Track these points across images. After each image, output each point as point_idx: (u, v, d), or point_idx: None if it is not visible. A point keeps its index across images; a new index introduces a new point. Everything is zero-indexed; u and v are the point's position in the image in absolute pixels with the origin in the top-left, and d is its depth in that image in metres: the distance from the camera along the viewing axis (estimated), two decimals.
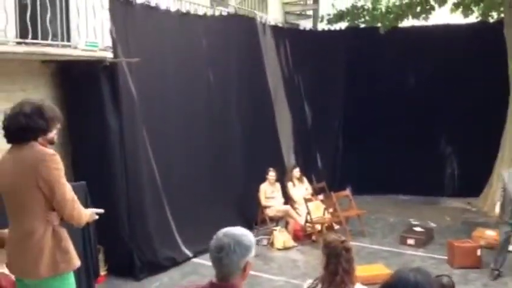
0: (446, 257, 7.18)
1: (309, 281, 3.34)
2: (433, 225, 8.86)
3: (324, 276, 3.24)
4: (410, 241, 7.84)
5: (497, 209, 6.78)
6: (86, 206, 5.02)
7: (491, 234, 7.72)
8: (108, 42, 6.40)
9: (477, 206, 9.99)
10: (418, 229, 8.26)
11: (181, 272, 6.78)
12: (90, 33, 6.25)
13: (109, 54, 6.33)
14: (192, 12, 7.74)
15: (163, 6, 7.18)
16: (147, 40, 6.85)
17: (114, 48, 6.32)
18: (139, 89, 6.64)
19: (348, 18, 11.58)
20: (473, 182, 10.09)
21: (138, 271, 6.43)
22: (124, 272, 6.44)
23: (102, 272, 6.29)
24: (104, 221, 6.13)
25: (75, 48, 6.16)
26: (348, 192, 8.84)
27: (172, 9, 7.39)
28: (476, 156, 9.97)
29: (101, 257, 6.23)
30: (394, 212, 9.70)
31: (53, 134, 3.43)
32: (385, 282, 1.87)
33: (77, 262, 3.44)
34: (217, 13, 8.43)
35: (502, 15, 10.04)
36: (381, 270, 6.23)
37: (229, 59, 8.47)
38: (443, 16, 10.98)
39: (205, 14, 8.04)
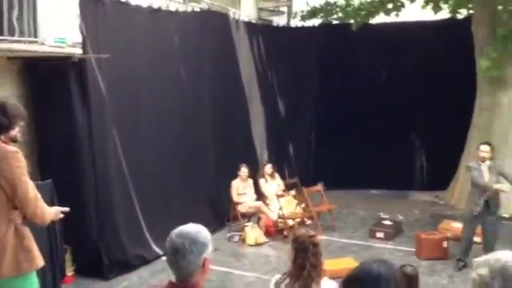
0: (414, 249, 7.34)
1: (277, 276, 3.38)
2: (401, 218, 9.05)
3: (292, 271, 3.28)
4: (380, 234, 8.00)
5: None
6: (52, 204, 4.98)
7: (457, 226, 7.90)
8: (78, 39, 6.32)
9: (444, 199, 10.23)
10: (387, 222, 8.42)
11: (151, 270, 6.74)
12: (58, 29, 6.16)
13: (78, 51, 6.24)
14: (164, 8, 7.70)
15: (134, 2, 7.13)
16: (118, 36, 6.77)
17: (84, 44, 6.23)
18: (109, 85, 6.57)
19: (321, 14, 11.68)
20: (441, 176, 10.32)
21: (107, 270, 6.35)
22: (92, 272, 6.34)
23: (69, 272, 6.20)
24: (72, 220, 6.08)
25: (42, 44, 6.08)
26: (319, 187, 8.95)
27: (144, 5, 7.34)
28: (444, 150, 10.18)
29: (68, 256, 6.14)
30: (364, 207, 9.85)
31: (16, 132, 3.42)
32: (349, 274, 1.89)
33: (40, 261, 3.44)
34: (189, 9, 8.40)
35: (471, 11, 10.24)
36: (350, 264, 6.33)
37: (202, 56, 8.45)
38: (414, 12, 11.14)
39: (177, 10, 8.00)
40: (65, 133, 6.37)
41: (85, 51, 6.24)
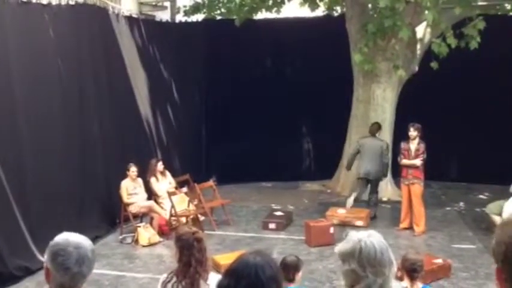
0: (304, 238, 7.64)
1: (164, 275, 3.32)
2: (292, 208, 9.37)
3: (179, 269, 3.26)
4: (272, 225, 8.21)
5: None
6: None
7: (341, 212, 8.40)
8: None
9: (331, 187, 10.79)
10: (278, 213, 8.68)
11: (37, 281, 6.27)
12: None
13: None
14: (33, 1, 7.15)
15: None
16: None
17: None
18: None
19: (204, 10, 11.68)
20: (328, 165, 10.89)
21: None
22: None
23: None
24: None
25: None
26: (211, 183, 8.96)
27: None
28: (329, 141, 10.76)
29: None
30: (257, 199, 10.07)
31: None
32: (228, 267, 1.93)
33: None
34: (63, 2, 7.89)
35: (345, 9, 10.87)
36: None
37: (81, 51, 7.97)
38: (293, 10, 11.58)
39: (50, 3, 7.48)
40: None
41: None
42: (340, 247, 1.92)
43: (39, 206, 6.83)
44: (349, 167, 9.01)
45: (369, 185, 8.56)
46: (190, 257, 3.22)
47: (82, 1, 8.37)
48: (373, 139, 8.55)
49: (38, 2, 7.20)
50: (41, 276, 6.32)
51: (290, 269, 3.97)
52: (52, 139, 7.20)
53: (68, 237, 2.10)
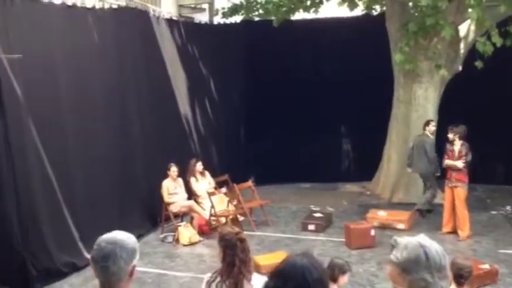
0: (344, 240, 7.55)
1: (208, 275, 3.34)
2: (331, 210, 9.29)
3: (222, 269, 3.27)
4: (311, 227, 8.15)
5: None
6: None
7: (382, 214, 8.27)
8: None
9: (370, 189, 10.64)
10: (317, 215, 8.61)
11: (83, 277, 6.46)
12: None
13: None
14: (79, 5, 7.35)
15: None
16: (31, 35, 6.39)
17: None
18: (26, 86, 6.19)
19: (242, 11, 11.73)
20: (367, 167, 10.74)
21: (34, 280, 6.04)
22: (18, 283, 6.00)
23: None
24: None
25: None
26: (250, 183, 8.98)
27: (57, 1, 6.96)
28: (369, 142, 10.58)
29: None
30: (296, 200, 10.03)
31: None
32: (275, 269, 1.93)
33: None
34: (107, 6, 8.08)
35: (385, 8, 10.71)
36: (283, 258, 6.39)
37: (124, 53, 8.16)
38: (331, 9, 11.48)
39: (93, 7, 7.67)
40: None
41: None
42: (398, 255, 1.83)
43: (86, 207, 7.04)
44: (408, 165, 9.08)
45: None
46: (234, 257, 3.23)
47: (124, 5, 8.55)
48: (420, 136, 8.84)
49: (83, 5, 7.40)
50: (87, 272, 6.52)
51: (336, 268, 3.94)
52: (96, 138, 7.39)
53: (111, 233, 2.19)
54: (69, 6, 7.09)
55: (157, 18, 9.37)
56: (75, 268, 6.61)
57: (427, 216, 8.69)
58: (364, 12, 11.53)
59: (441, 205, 8.32)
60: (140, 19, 8.74)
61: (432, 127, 8.80)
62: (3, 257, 5.91)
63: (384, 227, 7.98)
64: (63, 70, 6.85)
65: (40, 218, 6.29)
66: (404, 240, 1.88)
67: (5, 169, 5.96)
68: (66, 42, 6.95)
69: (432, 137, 8.80)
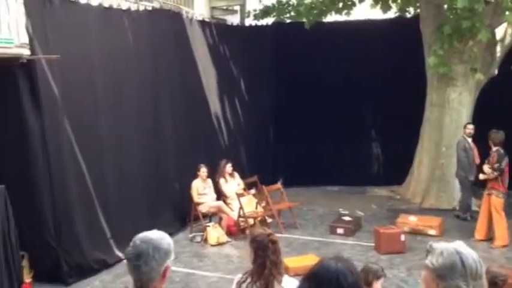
0: (373, 244, 7.47)
1: (239, 276, 3.36)
2: (360, 214, 9.20)
3: (253, 270, 3.27)
4: (340, 230, 8.09)
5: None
6: (6, 210, 4.76)
7: (413, 220, 8.14)
8: (25, 39, 6.06)
9: (400, 193, 10.49)
10: (346, 218, 8.53)
11: (113, 274, 6.60)
12: (4, 29, 5.89)
13: (26, 51, 5.99)
14: (115, 6, 7.50)
15: (83, 1, 6.90)
16: (69, 36, 6.55)
17: (31, 44, 5.99)
18: (62, 86, 6.35)
19: (274, 13, 11.74)
20: (397, 171, 10.59)
21: (66, 275, 6.20)
22: (51, 278, 6.17)
23: (27, 279, 5.96)
24: (27, 226, 5.89)
25: None
26: (279, 185, 8.98)
27: (94, 3, 7.12)
28: (400, 146, 10.43)
29: (25, 263, 5.90)
30: (324, 203, 9.97)
31: None
32: (309, 271, 1.92)
33: None
34: (141, 8, 8.22)
35: (418, 10, 10.56)
36: (312, 261, 6.34)
37: (157, 55, 8.28)
38: (364, 12, 11.38)
39: (129, 9, 7.82)
40: (16, 136, 6.14)
41: (33, 52, 6.00)
42: (433, 261, 1.80)
43: (118, 205, 7.18)
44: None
45: None
46: (265, 259, 3.23)
47: (158, 7, 8.69)
48: (458, 140, 8.87)
49: (119, 7, 7.55)
50: (117, 269, 6.66)
51: (370, 273, 3.91)
52: (128, 138, 7.52)
53: (147, 232, 2.19)
54: (106, 8, 7.24)
55: (190, 19, 9.48)
56: (106, 265, 6.75)
57: (461, 222, 8.53)
58: (397, 14, 11.40)
59: (476, 212, 8.17)
60: (174, 21, 8.85)
61: (468, 130, 8.67)
62: (38, 252, 6.07)
63: (414, 232, 7.86)
64: (99, 71, 7.00)
65: (74, 215, 6.44)
66: (440, 246, 1.84)
67: (41, 167, 6.13)
68: (103, 44, 7.09)
69: (465, 140, 8.64)
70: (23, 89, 6.07)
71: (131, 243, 2.15)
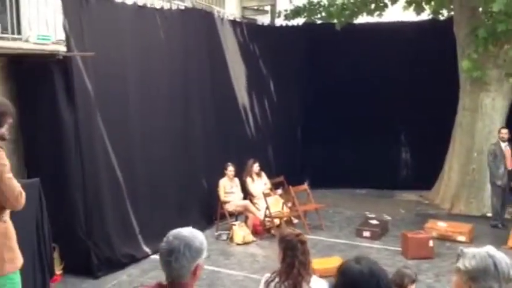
0: (400, 249, 7.39)
1: (267, 275, 3.37)
2: (387, 217, 9.10)
3: (282, 270, 3.28)
4: (366, 233, 8.02)
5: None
6: (40, 203, 4.90)
7: (442, 225, 8.01)
8: (62, 36, 6.22)
9: (429, 198, 10.33)
10: (373, 222, 8.46)
11: (141, 269, 6.70)
12: (42, 26, 6.05)
13: (62, 48, 6.15)
14: (148, 5, 7.62)
15: None
16: (104, 33, 6.69)
17: (68, 41, 6.15)
18: (96, 83, 6.49)
19: (305, 14, 11.71)
20: (426, 176, 10.42)
21: (96, 269, 6.31)
22: (81, 270, 6.29)
23: (58, 271, 6.13)
24: (60, 218, 6.03)
25: (27, 41, 5.96)
26: (306, 186, 8.96)
27: (129, 2, 7.25)
28: (429, 150, 10.29)
29: (56, 255, 6.07)
30: (351, 206, 9.90)
31: (4, 129, 3.33)
32: (340, 272, 1.94)
33: (20, 261, 3.41)
34: (174, 7, 8.32)
35: (452, 13, 10.38)
36: (337, 263, 6.31)
37: (189, 54, 8.37)
38: (396, 13, 11.25)
39: (162, 8, 7.93)
40: (51, 131, 6.28)
41: (69, 49, 6.15)
42: (466, 264, 1.82)
43: (147, 201, 7.29)
44: None
45: None
46: (294, 259, 3.24)
47: (191, 6, 8.78)
48: None
49: (152, 6, 7.66)
50: (145, 264, 6.77)
51: (405, 277, 3.89)
52: (158, 136, 7.61)
53: (181, 229, 2.21)
54: (139, 6, 7.36)
55: (222, 19, 9.54)
56: (134, 260, 6.84)
57: (492, 229, 8.36)
58: (430, 16, 11.24)
59: (508, 220, 8.00)
60: (205, 20, 8.93)
61: (501, 134, 8.50)
62: (69, 243, 6.21)
63: (443, 238, 7.74)
64: (132, 68, 7.12)
65: (104, 209, 6.57)
66: (472, 250, 1.86)
67: (74, 161, 6.27)
68: (136, 42, 7.21)
69: (498, 145, 8.47)
70: (59, 85, 6.23)
71: (165, 239, 2.16)
